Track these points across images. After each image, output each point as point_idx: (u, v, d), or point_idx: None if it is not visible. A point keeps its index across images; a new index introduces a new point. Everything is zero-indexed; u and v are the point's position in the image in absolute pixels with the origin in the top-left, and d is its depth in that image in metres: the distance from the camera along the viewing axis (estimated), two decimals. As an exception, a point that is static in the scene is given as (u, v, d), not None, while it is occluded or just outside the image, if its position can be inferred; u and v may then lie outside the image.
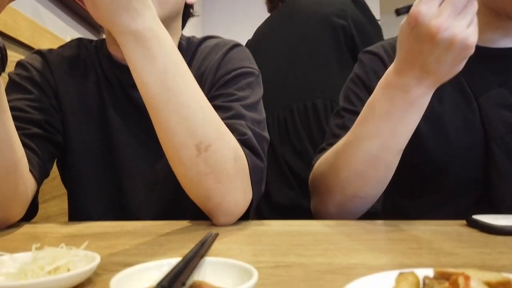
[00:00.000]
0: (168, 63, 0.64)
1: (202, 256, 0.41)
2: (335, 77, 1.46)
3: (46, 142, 0.84)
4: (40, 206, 0.84)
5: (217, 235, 0.54)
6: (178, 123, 0.64)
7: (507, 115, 0.90)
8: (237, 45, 0.93)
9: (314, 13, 1.52)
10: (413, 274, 0.35)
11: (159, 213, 0.87)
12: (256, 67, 0.93)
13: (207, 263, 0.41)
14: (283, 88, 1.50)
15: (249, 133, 0.78)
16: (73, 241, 0.63)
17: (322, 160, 0.87)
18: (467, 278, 0.31)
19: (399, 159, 0.79)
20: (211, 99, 0.86)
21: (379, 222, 0.78)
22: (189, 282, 0.38)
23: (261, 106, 0.90)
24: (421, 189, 0.96)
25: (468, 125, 0.92)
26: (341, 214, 0.84)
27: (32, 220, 0.82)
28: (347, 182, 0.80)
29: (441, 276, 0.35)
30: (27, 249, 0.47)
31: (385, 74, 0.75)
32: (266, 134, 0.86)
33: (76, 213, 0.92)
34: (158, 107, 0.65)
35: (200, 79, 0.88)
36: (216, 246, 0.57)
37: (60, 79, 0.90)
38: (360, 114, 0.79)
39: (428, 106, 0.84)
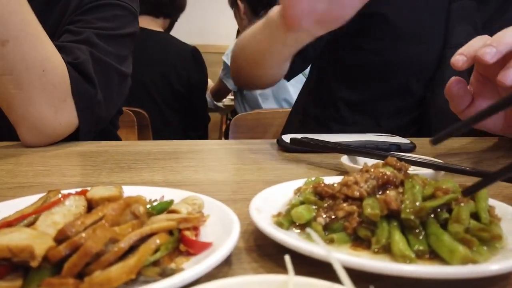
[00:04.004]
0: None
1: None
2: None
3: None
4: None
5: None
6: None
7: (468, 29, 0.90)
8: None
9: None
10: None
11: None
12: (134, 5, 0.88)
13: None
14: None
15: (85, 58, 0.75)
16: None
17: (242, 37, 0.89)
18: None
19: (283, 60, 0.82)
20: (69, 22, 0.82)
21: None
22: None
23: (130, 43, 0.86)
24: (368, 79, 0.98)
25: (432, 28, 0.91)
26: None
27: None
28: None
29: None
30: None
31: None
32: (123, 68, 0.83)
33: None
34: None
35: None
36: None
37: None
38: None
39: None
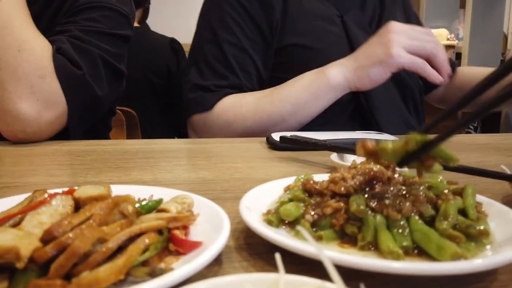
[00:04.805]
0: None
1: None
2: None
3: None
4: None
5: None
6: None
7: (362, 32, 0.96)
8: None
9: None
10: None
11: None
12: (126, 8, 0.87)
13: None
14: None
15: (65, 46, 0.75)
16: None
17: (231, 105, 0.88)
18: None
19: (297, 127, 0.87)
20: (60, 24, 0.83)
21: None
22: None
23: (120, 43, 0.86)
24: None
25: (337, 40, 0.96)
26: None
27: None
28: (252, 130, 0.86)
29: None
30: None
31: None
32: (114, 62, 0.83)
33: None
34: None
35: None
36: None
37: None
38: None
39: (305, 23, 0.92)
